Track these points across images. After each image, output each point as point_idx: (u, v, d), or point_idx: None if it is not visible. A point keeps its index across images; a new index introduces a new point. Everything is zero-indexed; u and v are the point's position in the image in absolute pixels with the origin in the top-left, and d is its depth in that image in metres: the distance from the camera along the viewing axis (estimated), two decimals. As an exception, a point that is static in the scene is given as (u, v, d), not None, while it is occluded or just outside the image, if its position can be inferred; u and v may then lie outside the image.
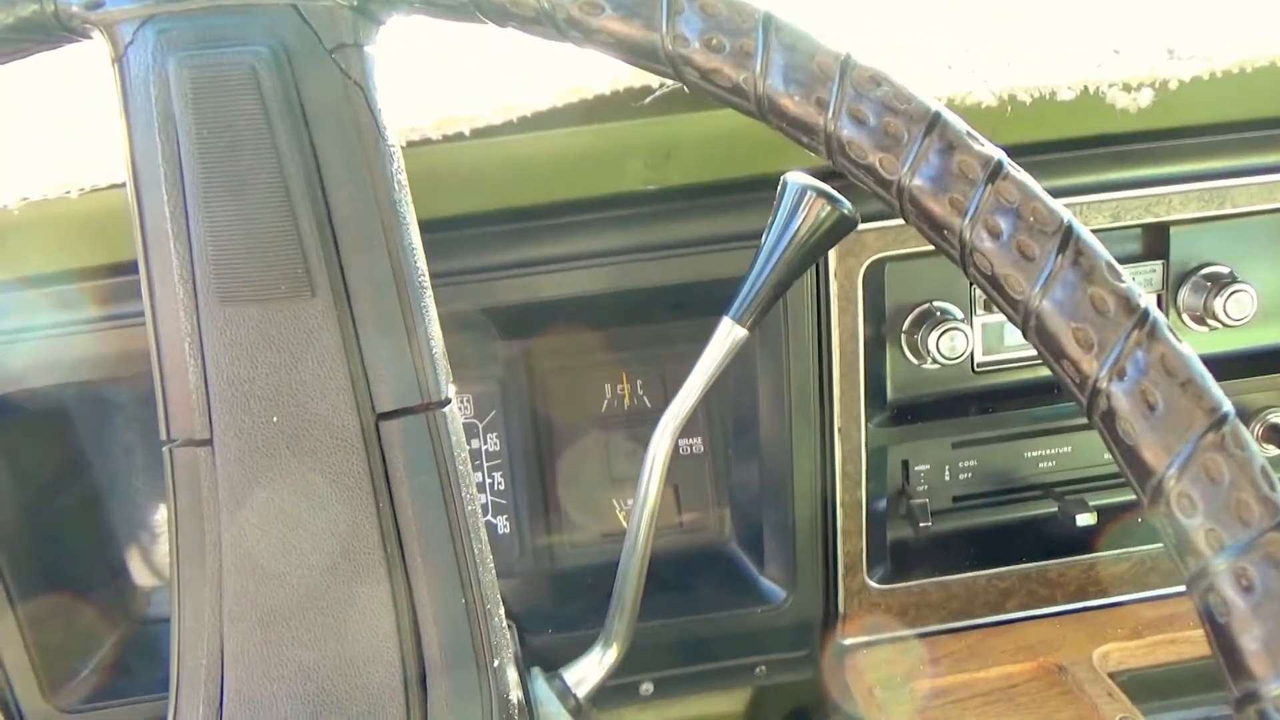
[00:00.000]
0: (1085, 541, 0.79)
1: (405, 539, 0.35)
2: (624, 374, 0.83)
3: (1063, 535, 0.79)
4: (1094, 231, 0.69)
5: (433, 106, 0.57)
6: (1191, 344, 0.29)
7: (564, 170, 0.63)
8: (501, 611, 0.38)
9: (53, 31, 0.34)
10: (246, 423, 0.34)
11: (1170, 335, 0.29)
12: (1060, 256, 0.30)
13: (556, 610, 0.79)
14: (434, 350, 0.37)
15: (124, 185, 0.50)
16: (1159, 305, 0.76)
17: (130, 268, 0.61)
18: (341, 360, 0.34)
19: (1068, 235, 0.31)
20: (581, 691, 0.53)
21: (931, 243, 0.33)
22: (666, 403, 0.55)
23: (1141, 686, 0.76)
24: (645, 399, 0.84)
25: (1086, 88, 0.59)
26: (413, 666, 0.35)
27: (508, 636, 0.38)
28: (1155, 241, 0.75)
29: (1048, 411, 0.77)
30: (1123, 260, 0.75)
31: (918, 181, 0.32)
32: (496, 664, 0.36)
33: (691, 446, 0.84)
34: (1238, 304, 0.72)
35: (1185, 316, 0.76)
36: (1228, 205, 0.70)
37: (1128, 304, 0.30)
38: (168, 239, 0.34)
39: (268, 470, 0.34)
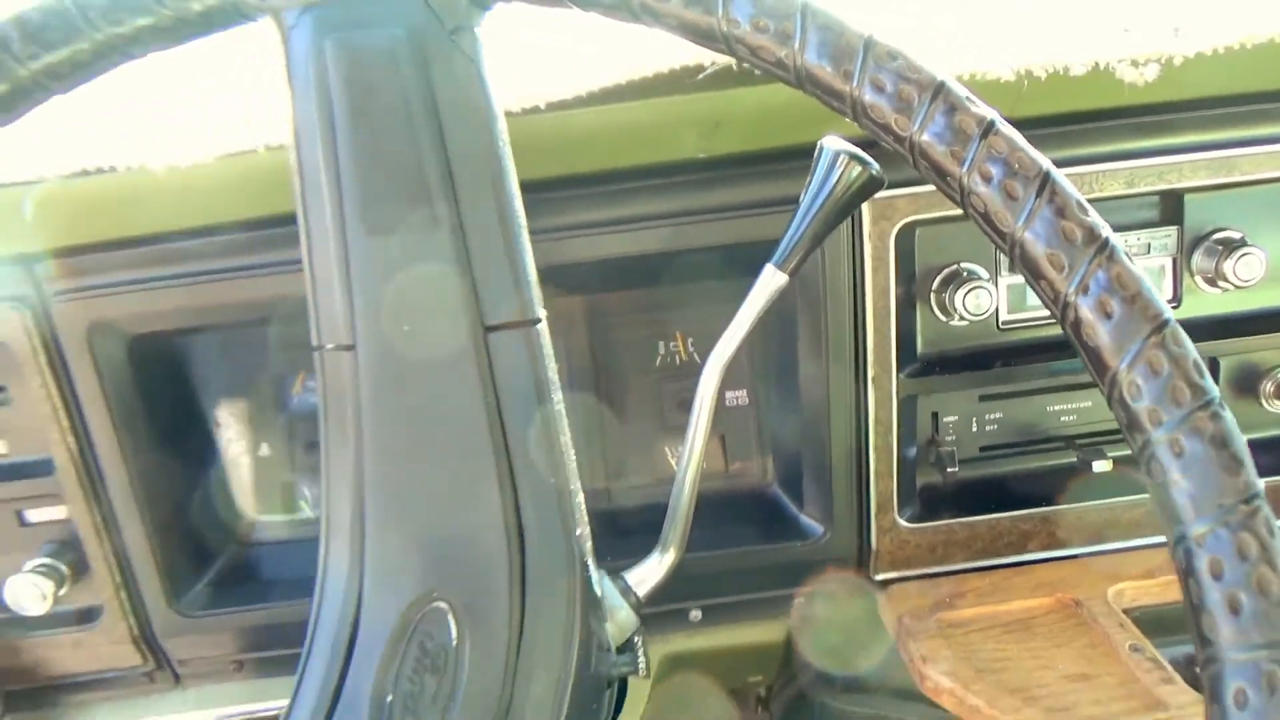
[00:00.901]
0: (1102, 488, 0.85)
1: (508, 429, 0.44)
2: (677, 332, 0.91)
3: (1081, 481, 0.86)
4: (1110, 198, 0.76)
5: (513, 83, 0.65)
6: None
7: (624, 141, 0.70)
8: (580, 494, 0.46)
9: (232, 17, 0.42)
10: (383, 331, 0.43)
11: (1125, 259, 0.36)
12: (1038, 198, 0.38)
13: (613, 545, 0.87)
14: (529, 278, 0.45)
15: (254, 151, 0.59)
16: (1174, 268, 0.82)
17: (249, 225, 0.71)
18: (458, 282, 0.43)
19: (1045, 179, 0.38)
20: (641, 591, 0.61)
21: (936, 186, 0.41)
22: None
23: (1152, 623, 0.82)
24: (695, 355, 0.92)
25: (1097, 64, 0.65)
26: (514, 530, 0.43)
27: (584, 512, 0.46)
28: (1171, 208, 0.81)
29: (1068, 366, 0.83)
30: (1140, 226, 0.81)
31: (925, 137, 0.39)
32: (579, 532, 0.44)
33: (737, 399, 0.92)
34: (1247, 266, 0.78)
35: (1199, 279, 0.82)
36: (1236, 173, 0.76)
37: (1092, 234, 0.37)
38: (321, 185, 0.42)
39: (400, 370, 0.43)
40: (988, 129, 0.39)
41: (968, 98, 0.39)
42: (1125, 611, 0.83)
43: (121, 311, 0.74)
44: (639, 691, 0.90)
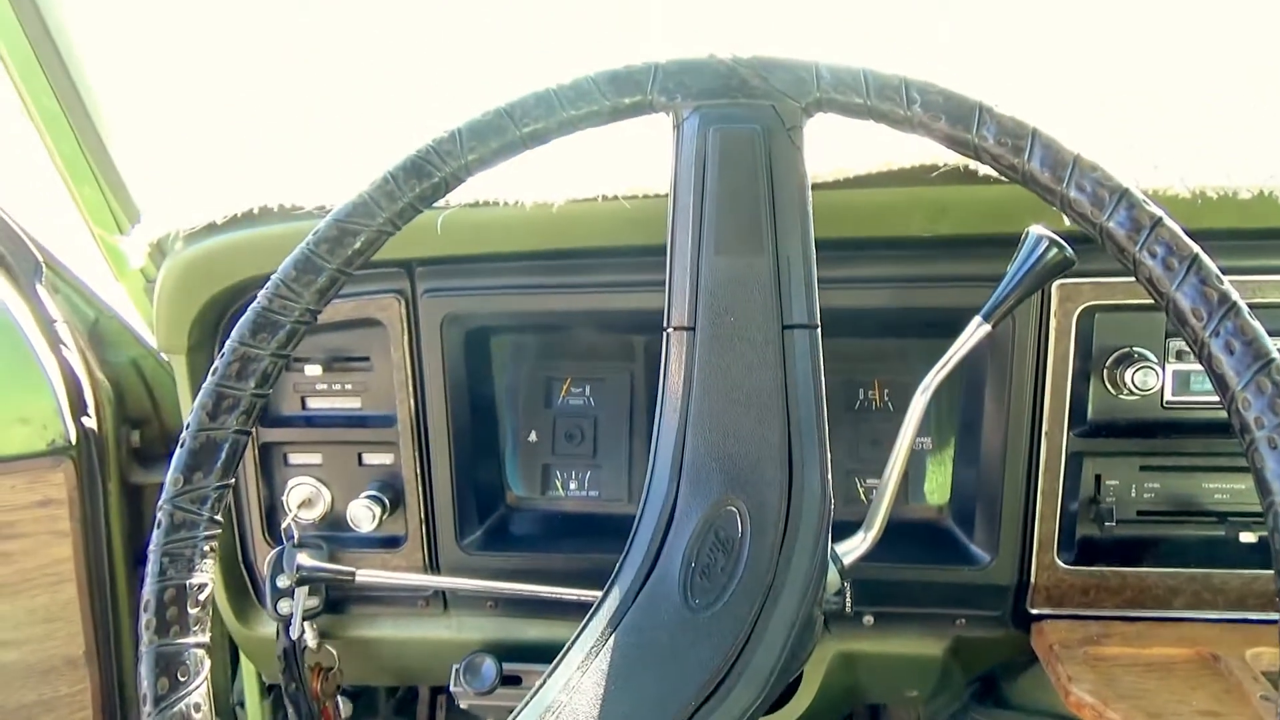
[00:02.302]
0: (1247, 559, 0.97)
1: (789, 395, 0.64)
2: (876, 380, 1.09)
3: (1229, 550, 0.97)
4: (1269, 305, 0.90)
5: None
6: None
7: (863, 215, 0.91)
8: (829, 454, 0.65)
9: (644, 110, 0.66)
10: (714, 318, 0.64)
11: (1247, 315, 0.53)
12: (1189, 270, 0.55)
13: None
14: (815, 296, 0.65)
15: (594, 199, 0.83)
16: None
17: (575, 254, 0.95)
18: (769, 291, 0.64)
19: (1195, 258, 0.55)
20: (848, 560, 0.78)
21: (1115, 259, 0.59)
22: (907, 404, 0.80)
23: (1287, 686, 0.92)
24: (890, 404, 1.09)
25: (1262, 191, 0.81)
26: (787, 465, 0.63)
27: (830, 462, 0.65)
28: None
29: (1224, 447, 0.96)
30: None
31: (1111, 224, 0.58)
32: (829, 474, 0.64)
33: (923, 444, 1.09)
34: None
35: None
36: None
37: (1225, 296, 0.54)
38: (689, 220, 0.65)
39: (722, 346, 0.64)
40: (1157, 222, 0.57)
41: (1144, 200, 0.58)
42: (1264, 674, 0.93)
43: (468, 309, 0.99)
44: (813, 674, 1.07)
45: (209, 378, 0.59)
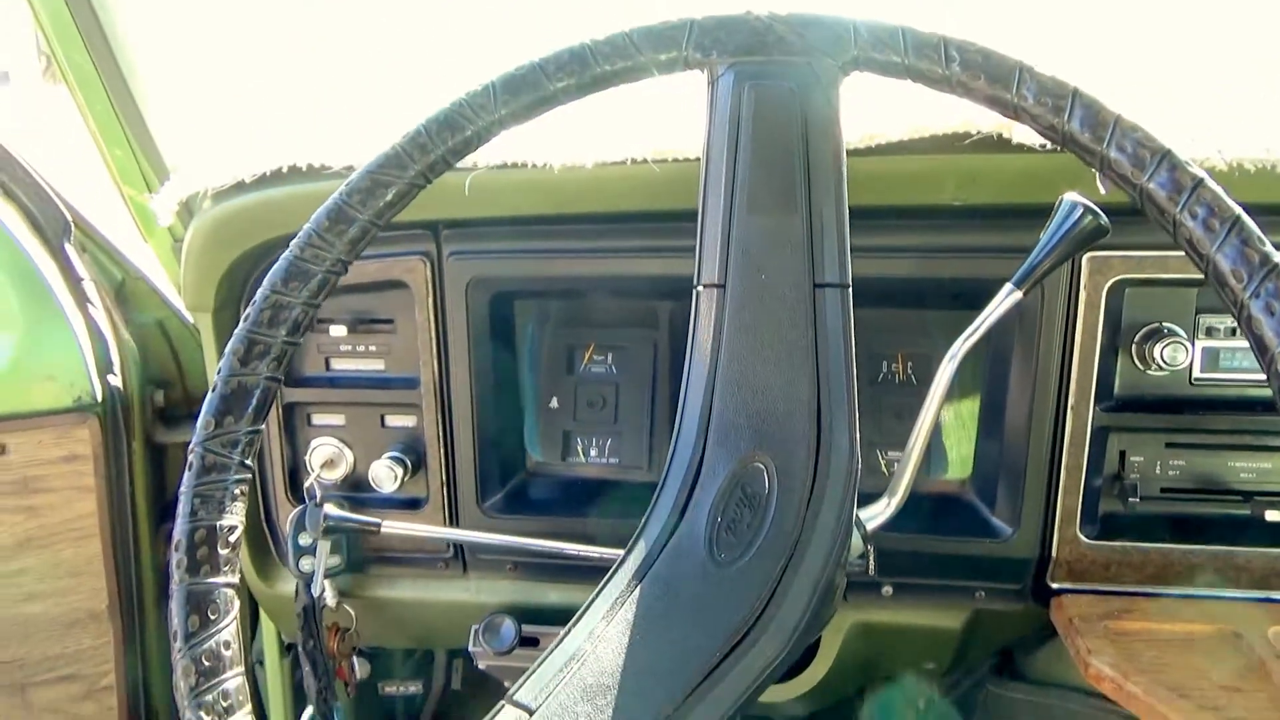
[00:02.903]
0: (1272, 538, 0.96)
1: (819, 354, 0.64)
2: (900, 353, 1.09)
3: (1254, 528, 0.96)
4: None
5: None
6: None
7: (895, 183, 0.90)
8: (857, 414, 0.65)
9: (679, 66, 0.65)
10: (746, 275, 0.64)
11: None
12: (1231, 231, 0.55)
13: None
14: (848, 257, 0.65)
15: (623, 163, 0.82)
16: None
17: (603, 218, 0.94)
18: (802, 250, 0.63)
19: (1237, 219, 0.55)
20: (870, 526, 0.78)
21: (1155, 221, 0.58)
22: (930, 377, 0.80)
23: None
24: (913, 377, 1.09)
25: (1300, 164, 0.80)
26: (816, 422, 0.63)
27: (857, 419, 0.65)
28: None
29: (1251, 425, 0.95)
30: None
31: (1152, 185, 0.57)
32: (857, 433, 0.64)
33: (946, 416, 1.08)
34: None
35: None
36: None
37: (1266, 258, 0.53)
38: (722, 178, 0.64)
39: (753, 303, 0.64)
40: (1198, 183, 0.56)
41: (1186, 162, 0.57)
42: (1289, 654, 0.93)
43: (494, 273, 0.99)
44: (830, 643, 1.07)
45: (241, 324, 0.60)
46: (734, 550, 0.62)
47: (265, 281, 0.60)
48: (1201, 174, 0.56)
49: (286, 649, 1.30)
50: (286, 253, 0.61)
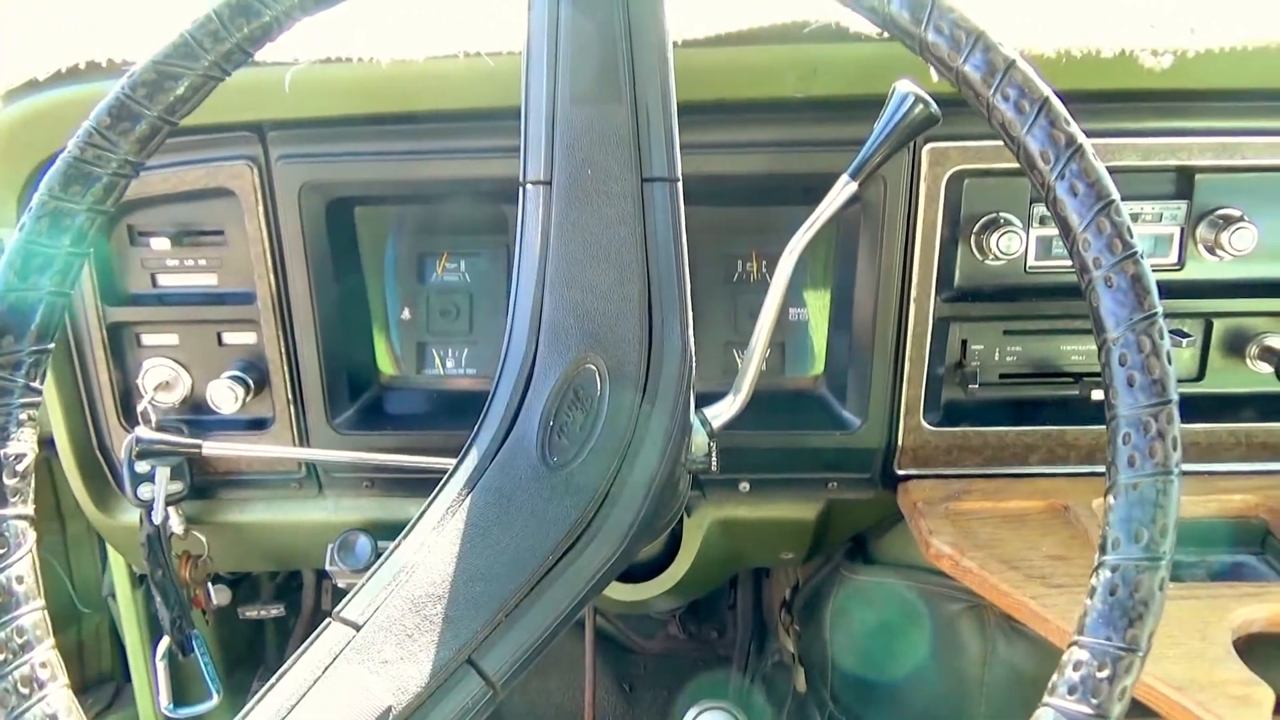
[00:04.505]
0: (1097, 416, 1.01)
1: (649, 250, 0.62)
2: (753, 252, 1.09)
3: (1081, 408, 1.02)
4: (1127, 168, 0.92)
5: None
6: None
7: (735, 76, 0.88)
8: (690, 311, 0.65)
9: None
10: (571, 171, 0.61)
11: (1092, 158, 0.53)
12: (1040, 113, 0.55)
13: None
14: (676, 151, 0.63)
15: (455, 56, 0.78)
16: (1181, 236, 0.98)
17: (439, 116, 0.90)
18: (628, 142, 0.61)
19: (1045, 101, 0.55)
20: (716, 424, 0.79)
21: (973, 106, 0.58)
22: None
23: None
24: (767, 275, 1.09)
25: (1123, 50, 0.82)
26: (647, 321, 0.62)
27: (690, 316, 0.64)
28: (1183, 185, 0.96)
29: (1081, 309, 0.99)
30: (1154, 198, 0.97)
31: (967, 68, 0.57)
32: (690, 331, 0.63)
33: (798, 315, 1.09)
34: (1240, 238, 0.94)
35: (1200, 246, 0.97)
36: (1238, 156, 0.91)
37: (1071, 139, 0.54)
38: (544, 68, 0.61)
39: (580, 200, 0.62)
40: (1010, 65, 0.56)
41: (999, 43, 0.57)
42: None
43: (327, 177, 0.94)
44: (691, 540, 1.09)
45: (16, 234, 0.54)
46: (566, 453, 0.62)
47: (41, 185, 0.55)
48: (1014, 55, 0.56)
49: (139, 580, 1.25)
50: (63, 153, 0.55)
